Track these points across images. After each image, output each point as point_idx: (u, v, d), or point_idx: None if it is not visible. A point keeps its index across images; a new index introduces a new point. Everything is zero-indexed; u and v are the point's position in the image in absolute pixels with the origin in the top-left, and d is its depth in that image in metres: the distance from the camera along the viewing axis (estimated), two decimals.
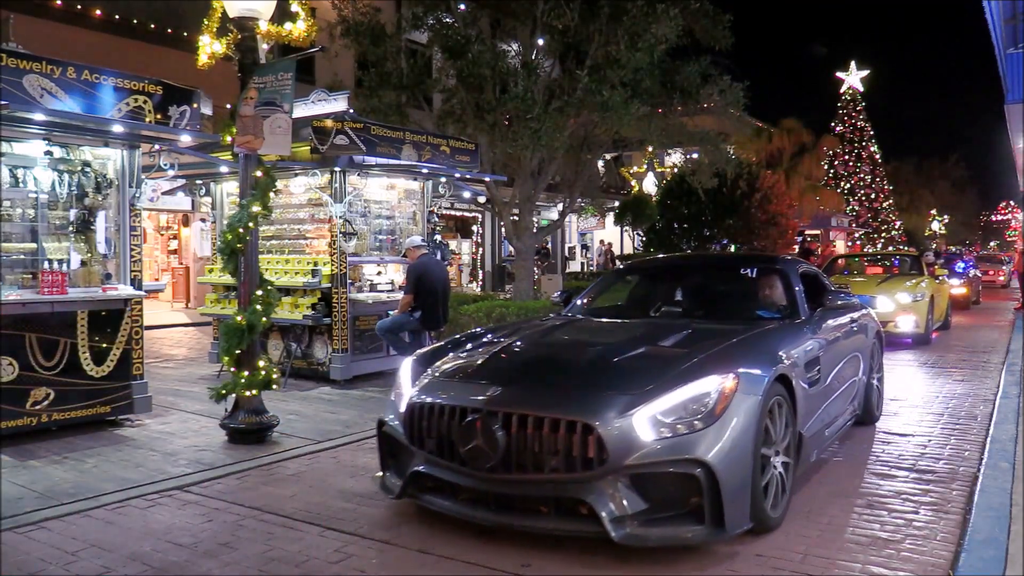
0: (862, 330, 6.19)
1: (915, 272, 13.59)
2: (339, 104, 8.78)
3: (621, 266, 9.27)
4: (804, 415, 4.40)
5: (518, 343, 4.72)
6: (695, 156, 16.69)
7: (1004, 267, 33.72)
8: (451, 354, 4.62)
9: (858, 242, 44.78)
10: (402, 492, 4.10)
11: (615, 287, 6.72)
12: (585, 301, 6.03)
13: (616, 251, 28.82)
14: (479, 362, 4.34)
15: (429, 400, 4.02)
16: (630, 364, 4.08)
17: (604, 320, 5.60)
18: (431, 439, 3.94)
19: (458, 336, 5.13)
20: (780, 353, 4.30)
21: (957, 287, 17.99)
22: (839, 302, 5.42)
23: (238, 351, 6.00)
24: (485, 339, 4.88)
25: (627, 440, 3.53)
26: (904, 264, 14.96)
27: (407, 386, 4.29)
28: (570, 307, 6.02)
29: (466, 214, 23.83)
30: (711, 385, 3.72)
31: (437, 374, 4.30)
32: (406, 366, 4.54)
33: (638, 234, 22.70)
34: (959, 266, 20.41)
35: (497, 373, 4.16)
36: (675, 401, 3.66)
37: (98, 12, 15.19)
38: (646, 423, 3.58)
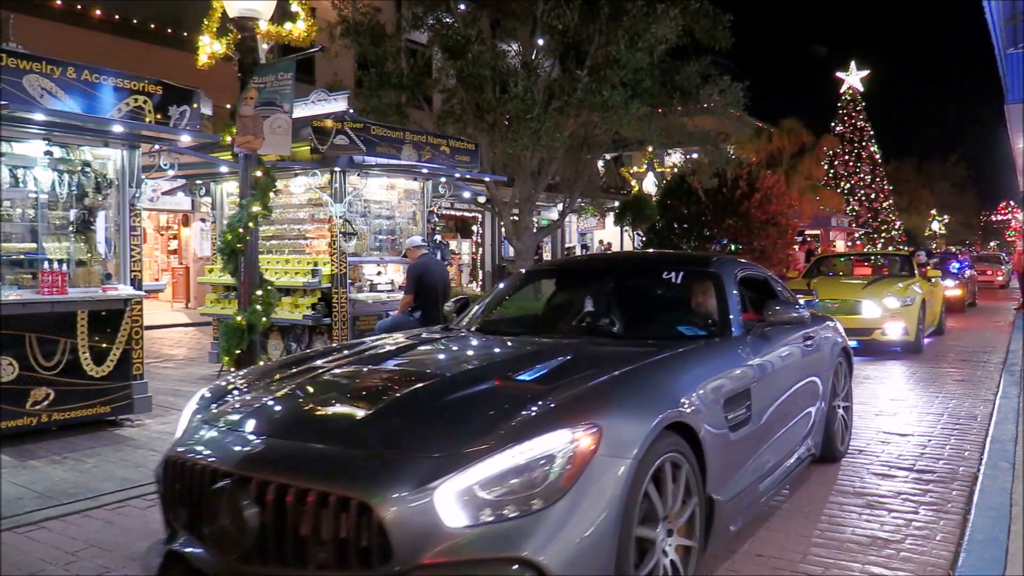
0: (821, 348, 5.02)
1: (906, 273, 12.48)
2: (339, 104, 8.79)
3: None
4: (719, 472, 3.29)
5: (334, 372, 3.51)
6: (695, 156, 16.71)
7: (1003, 267, 33.01)
8: (252, 383, 3.52)
9: (859, 242, 44.81)
10: None
11: (522, 294, 5.53)
12: (479, 312, 4.85)
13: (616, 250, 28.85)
14: (263, 400, 3.21)
15: (184, 453, 2.93)
16: (456, 409, 2.92)
17: (480, 339, 4.33)
18: (183, 508, 2.88)
19: (289, 357, 4.09)
20: (681, 390, 3.17)
21: (952, 288, 17.11)
22: (791, 314, 4.21)
23: (238, 351, 6.01)
24: (309, 364, 3.68)
25: (424, 526, 2.41)
26: (894, 265, 13.74)
27: (180, 428, 3.26)
28: (461, 318, 4.83)
29: (466, 214, 23.83)
30: (557, 443, 2.56)
31: (213, 413, 3.19)
32: (194, 399, 3.46)
33: (638, 234, 22.70)
34: (954, 266, 19.37)
35: (273, 419, 3.04)
36: (501, 467, 2.49)
37: (98, 12, 15.20)
38: (455, 501, 2.43)
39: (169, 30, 16.03)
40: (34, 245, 6.28)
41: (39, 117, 5.70)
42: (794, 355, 4.49)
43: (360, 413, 2.97)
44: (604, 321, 4.46)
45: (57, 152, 6.33)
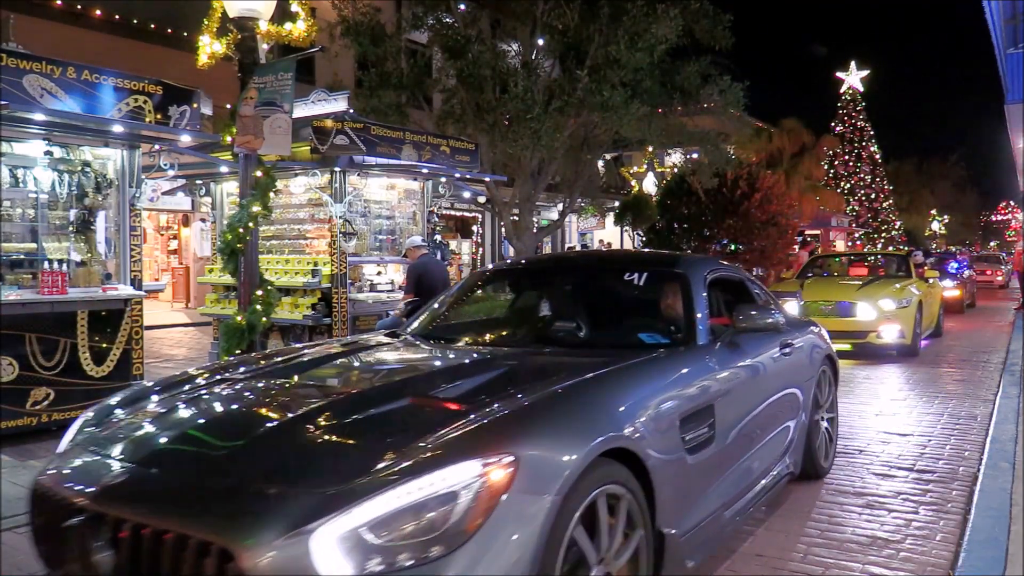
0: (802, 355, 4.62)
1: (902, 274, 12.13)
2: (339, 104, 8.79)
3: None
4: (672, 502, 2.85)
5: (232, 388, 3.13)
6: (695, 156, 16.71)
7: (1003, 267, 32.65)
8: (140, 401, 3.13)
9: (859, 242, 44.82)
10: None
11: (476, 297, 4.94)
12: (428, 316, 4.44)
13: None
14: (142, 422, 2.85)
15: (46, 482, 2.61)
16: (353, 434, 2.54)
17: (418, 348, 3.94)
18: (44, 544, 2.59)
19: (198, 369, 3.61)
20: (626, 409, 2.75)
21: (950, 289, 16.82)
22: (765, 320, 3.79)
23: (238, 351, 6.00)
24: (211, 378, 3.30)
25: None
26: (890, 265, 13.28)
27: (59, 450, 2.94)
28: (411, 322, 4.44)
29: (466, 214, 23.83)
30: (462, 477, 2.14)
31: (90, 436, 2.85)
32: (80, 419, 3.09)
33: (638, 234, 22.71)
34: (952, 266, 18.93)
35: (143, 445, 2.65)
36: (394, 506, 2.08)
37: (98, 12, 15.20)
38: (337, 547, 2.02)
39: (169, 30, 16.04)
40: (34, 245, 6.28)
41: (39, 117, 5.71)
42: (769, 364, 4.10)
43: (241, 439, 2.53)
44: (558, 328, 4.02)
45: (57, 152, 6.33)
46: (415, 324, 4.35)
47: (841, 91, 50.25)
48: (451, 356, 3.71)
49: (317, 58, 15.57)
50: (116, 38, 15.25)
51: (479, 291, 4.83)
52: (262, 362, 3.57)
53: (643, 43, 12.40)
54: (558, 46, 13.94)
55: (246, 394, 3.10)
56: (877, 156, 49.79)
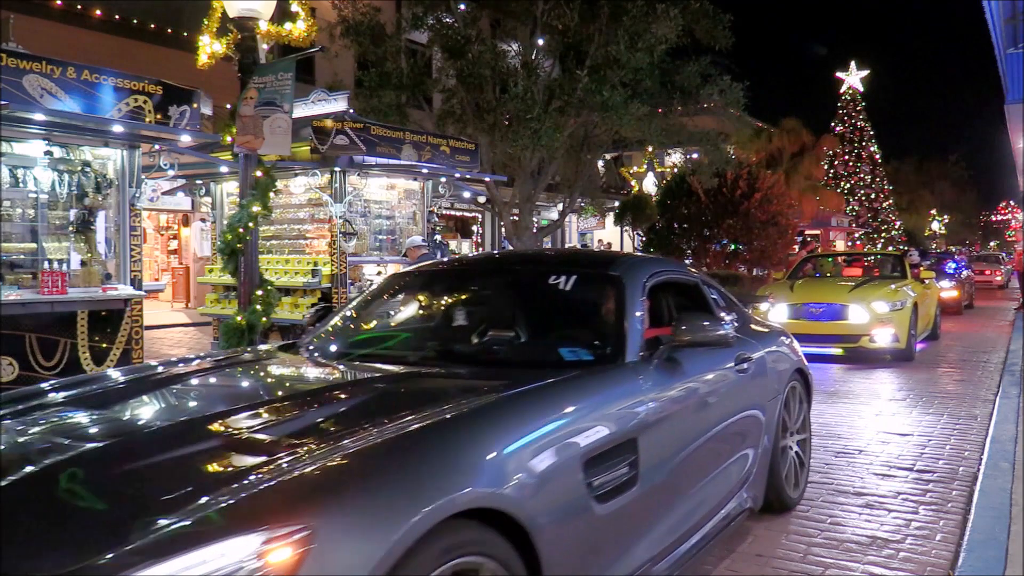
0: (765, 372, 3.99)
1: (897, 275, 11.64)
2: (339, 104, 8.79)
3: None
4: (569, 568, 2.29)
5: (32, 420, 2.49)
6: (695, 156, 16.72)
7: (1002, 267, 32.13)
8: None
9: (859, 242, 44.83)
10: None
11: (390, 303, 4.09)
12: (327, 325, 3.80)
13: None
14: None
15: None
16: (116, 491, 1.91)
17: (290, 367, 3.37)
18: None
19: (20, 391, 2.94)
20: (501, 452, 2.15)
21: (947, 290, 16.42)
22: (709, 333, 3.16)
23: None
24: (28, 402, 2.69)
25: None
26: (885, 265, 12.83)
27: None
28: (311, 333, 3.79)
29: (466, 214, 23.84)
30: (233, 557, 1.59)
31: None
32: None
33: (638, 234, 22.72)
34: (950, 266, 18.45)
35: None
36: None
37: (98, 12, 15.20)
38: None
39: (169, 30, 16.04)
40: (34, 245, 6.28)
41: (39, 117, 5.71)
42: (720, 383, 3.50)
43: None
44: (463, 341, 3.49)
45: (57, 152, 6.33)
46: (313, 336, 3.71)
47: (841, 91, 50.28)
48: (315, 379, 3.18)
49: (317, 58, 15.57)
50: (116, 38, 15.26)
51: (394, 296, 4.10)
52: (79, 388, 2.88)
53: (643, 43, 12.41)
54: (558, 46, 13.95)
55: (17, 430, 2.39)
56: (877, 156, 49.82)
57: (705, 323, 3.21)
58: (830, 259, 13.82)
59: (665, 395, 3.00)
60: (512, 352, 3.32)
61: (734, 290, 12.40)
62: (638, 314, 3.22)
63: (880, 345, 9.71)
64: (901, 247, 43.81)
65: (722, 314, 3.95)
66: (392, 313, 4.05)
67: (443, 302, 3.95)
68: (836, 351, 9.84)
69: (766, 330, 4.53)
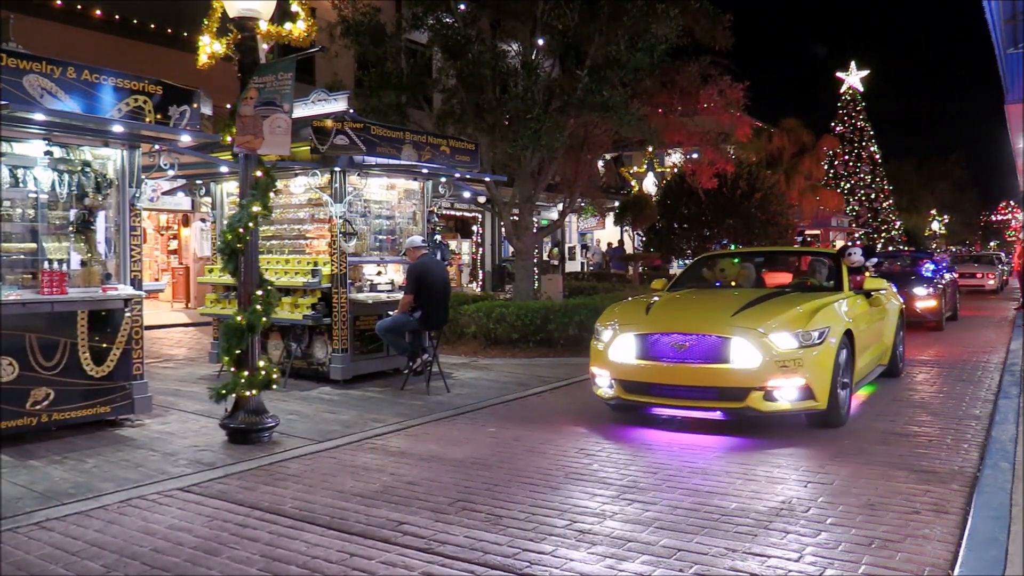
0: None
1: (831, 284, 7.78)
2: (339, 104, 8.78)
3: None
4: None
5: None
6: (695, 156, 16.72)
7: (995, 269, 27.81)
8: None
9: (858, 242, 44.84)
10: None
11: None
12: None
13: (604, 248, 29.00)
14: None
15: None
16: None
17: None
18: None
19: None
20: None
21: (923, 299, 13.53)
22: None
23: (238, 351, 6.00)
24: None
25: None
26: (812, 270, 8.71)
27: None
28: None
29: (466, 214, 23.83)
30: None
31: None
32: None
33: (638, 234, 22.73)
34: (927, 269, 15.15)
35: None
36: None
37: (98, 12, 15.20)
38: None
39: (169, 30, 16.04)
40: (34, 245, 6.28)
41: (39, 117, 5.70)
42: None
43: None
44: None
45: (57, 152, 6.33)
46: None
47: (841, 91, 50.36)
48: None
49: (317, 58, 15.57)
50: (116, 38, 15.25)
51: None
52: None
53: (643, 43, 12.40)
54: (558, 46, 13.94)
55: None
56: (877, 156, 49.88)
57: None
58: (735, 260, 8.77)
59: None
60: None
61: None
62: None
63: (781, 405, 6.02)
64: (902, 247, 43.82)
65: None
66: None
67: None
68: (712, 414, 6.34)
69: None
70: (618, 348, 6.53)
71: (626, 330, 6.56)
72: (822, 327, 6.28)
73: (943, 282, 14.81)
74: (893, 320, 8.70)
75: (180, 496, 4.72)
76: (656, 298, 7.31)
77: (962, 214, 67.74)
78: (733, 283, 8.20)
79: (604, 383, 6.68)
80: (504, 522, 4.22)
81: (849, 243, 9.05)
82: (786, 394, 6.02)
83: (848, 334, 6.62)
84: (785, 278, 8.75)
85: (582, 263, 30.69)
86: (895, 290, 9.48)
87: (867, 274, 8.10)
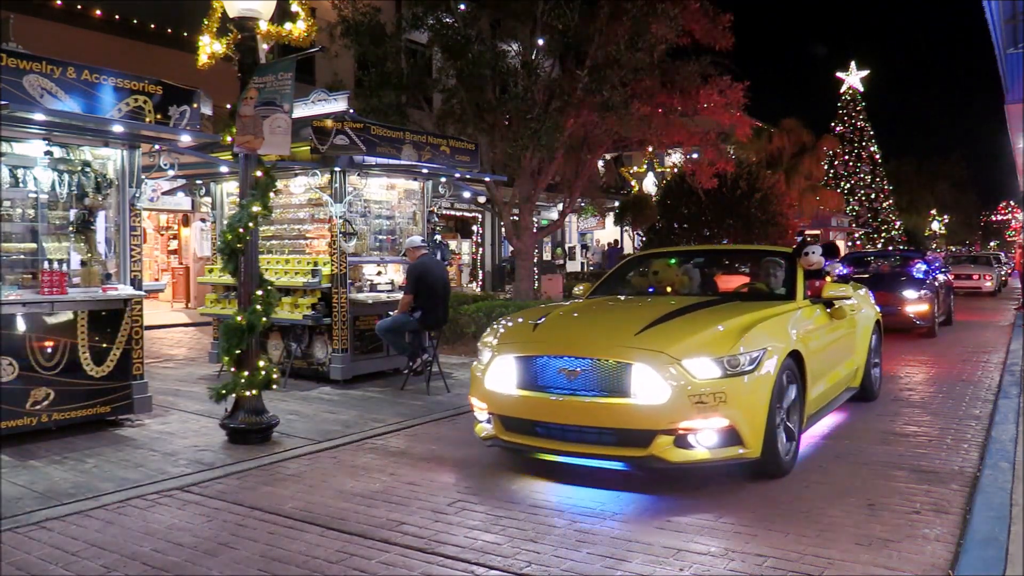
0: None
1: (782, 292, 6.24)
2: (339, 104, 8.78)
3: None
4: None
5: None
6: (695, 156, 16.72)
7: (993, 270, 26.56)
8: None
9: (859, 242, 44.85)
10: None
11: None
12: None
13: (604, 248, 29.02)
14: None
15: None
16: None
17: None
18: None
19: None
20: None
21: (914, 302, 12.60)
22: None
23: (238, 351, 6.00)
24: None
25: None
26: (765, 272, 6.88)
27: None
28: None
29: (466, 214, 23.84)
30: None
31: None
32: None
33: (638, 234, 22.73)
34: (918, 269, 14.01)
35: None
36: None
37: (98, 12, 15.19)
38: None
39: (169, 30, 16.03)
40: (34, 245, 6.28)
41: (39, 117, 5.70)
42: None
43: None
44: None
45: (57, 152, 6.33)
46: None
47: (841, 91, 50.35)
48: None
49: (317, 58, 15.57)
50: (116, 38, 15.25)
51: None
52: None
53: (643, 43, 12.41)
54: (558, 46, 13.94)
55: None
56: (877, 156, 49.88)
57: None
58: (672, 260, 7.28)
59: None
60: None
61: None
62: None
63: (697, 453, 4.58)
64: (902, 247, 43.81)
65: None
66: None
67: None
68: (612, 463, 4.92)
69: None
70: (496, 374, 5.06)
71: (506, 351, 5.07)
72: (756, 349, 4.77)
73: (936, 284, 13.74)
74: (865, 334, 7.25)
75: (180, 496, 4.72)
76: (540, 318, 5.50)
77: (962, 214, 67.73)
78: (669, 289, 6.70)
79: (483, 417, 5.20)
80: (504, 522, 4.23)
81: (809, 243, 6.47)
82: (704, 439, 4.56)
83: (795, 356, 5.17)
84: (735, 280, 7.18)
85: (582, 263, 30.71)
86: (871, 296, 8.06)
87: (828, 279, 6.63)
